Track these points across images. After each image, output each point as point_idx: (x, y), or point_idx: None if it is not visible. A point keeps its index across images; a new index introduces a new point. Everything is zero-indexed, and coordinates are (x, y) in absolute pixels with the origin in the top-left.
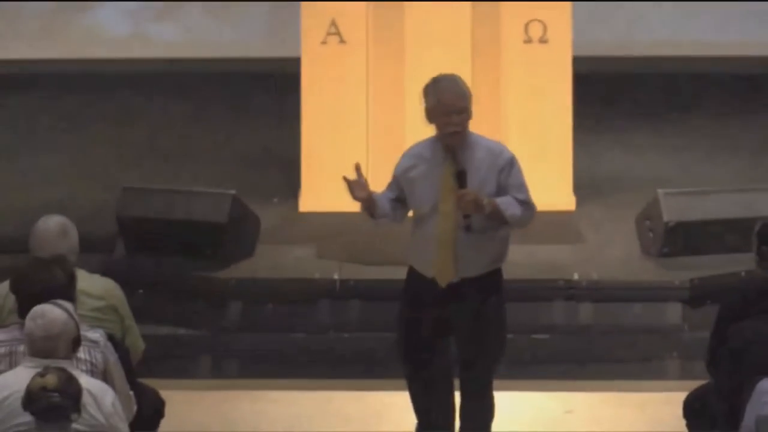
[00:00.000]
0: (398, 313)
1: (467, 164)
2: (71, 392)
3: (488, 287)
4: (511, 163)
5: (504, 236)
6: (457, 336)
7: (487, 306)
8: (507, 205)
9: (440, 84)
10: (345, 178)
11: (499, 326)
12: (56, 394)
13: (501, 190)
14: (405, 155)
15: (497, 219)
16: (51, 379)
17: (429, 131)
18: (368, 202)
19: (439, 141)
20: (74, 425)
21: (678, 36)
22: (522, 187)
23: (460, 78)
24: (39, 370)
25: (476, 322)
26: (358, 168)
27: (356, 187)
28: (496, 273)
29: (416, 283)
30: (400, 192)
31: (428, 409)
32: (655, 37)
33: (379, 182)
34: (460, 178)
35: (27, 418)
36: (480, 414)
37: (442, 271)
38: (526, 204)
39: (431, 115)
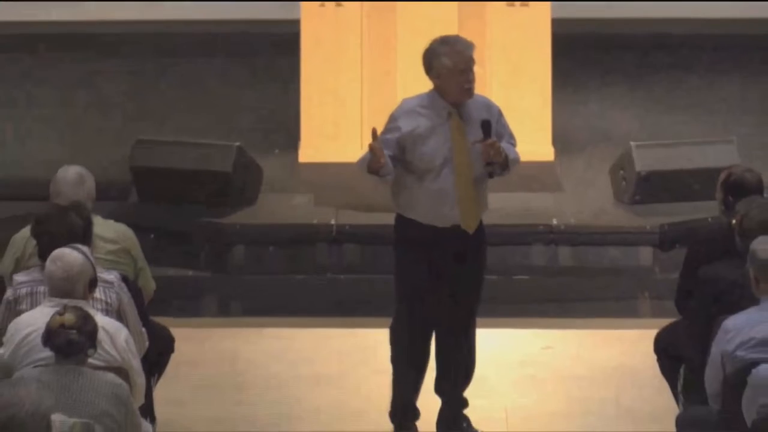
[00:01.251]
0: (396, 262)
1: (468, 117)
2: (88, 329)
3: (481, 233)
4: (501, 113)
5: (487, 184)
6: (454, 281)
7: (484, 248)
8: (509, 151)
9: (454, 46)
10: (371, 145)
11: (484, 270)
12: (74, 331)
13: (498, 138)
14: (403, 114)
15: (505, 166)
16: (69, 317)
17: (419, 86)
18: (384, 164)
19: (437, 97)
20: (90, 360)
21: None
22: (512, 134)
23: (466, 39)
24: (58, 309)
25: (473, 266)
26: (375, 132)
27: (380, 151)
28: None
29: (419, 235)
30: (398, 151)
31: (411, 349)
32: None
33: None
34: (485, 128)
35: (47, 353)
36: (468, 358)
37: (470, 217)
38: (516, 152)
39: (447, 75)
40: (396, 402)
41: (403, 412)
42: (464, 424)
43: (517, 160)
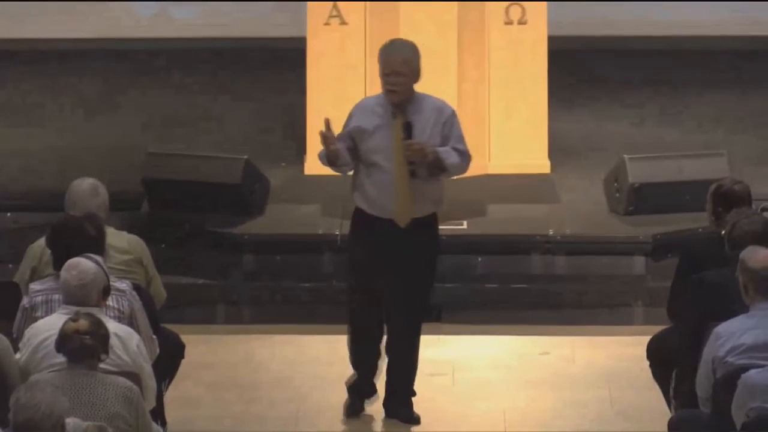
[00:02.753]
0: (348, 249)
1: (415, 119)
2: (100, 335)
3: (428, 228)
4: (453, 117)
5: (442, 183)
6: (398, 271)
7: (426, 245)
8: (447, 154)
9: (387, 48)
10: (321, 132)
11: (433, 266)
12: (87, 337)
13: (444, 142)
14: (357, 109)
15: (438, 167)
16: (82, 323)
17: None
18: (336, 152)
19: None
20: (103, 365)
21: (639, 17)
22: (461, 138)
23: (409, 45)
24: (71, 315)
25: (417, 258)
26: (328, 123)
27: (330, 139)
28: (434, 217)
29: (364, 224)
30: (352, 143)
31: (362, 329)
32: (619, 18)
33: None
34: (407, 129)
35: (62, 358)
36: (410, 351)
37: (401, 213)
38: (464, 154)
39: (379, 73)
40: (354, 379)
41: (359, 386)
42: (407, 410)
43: (456, 165)
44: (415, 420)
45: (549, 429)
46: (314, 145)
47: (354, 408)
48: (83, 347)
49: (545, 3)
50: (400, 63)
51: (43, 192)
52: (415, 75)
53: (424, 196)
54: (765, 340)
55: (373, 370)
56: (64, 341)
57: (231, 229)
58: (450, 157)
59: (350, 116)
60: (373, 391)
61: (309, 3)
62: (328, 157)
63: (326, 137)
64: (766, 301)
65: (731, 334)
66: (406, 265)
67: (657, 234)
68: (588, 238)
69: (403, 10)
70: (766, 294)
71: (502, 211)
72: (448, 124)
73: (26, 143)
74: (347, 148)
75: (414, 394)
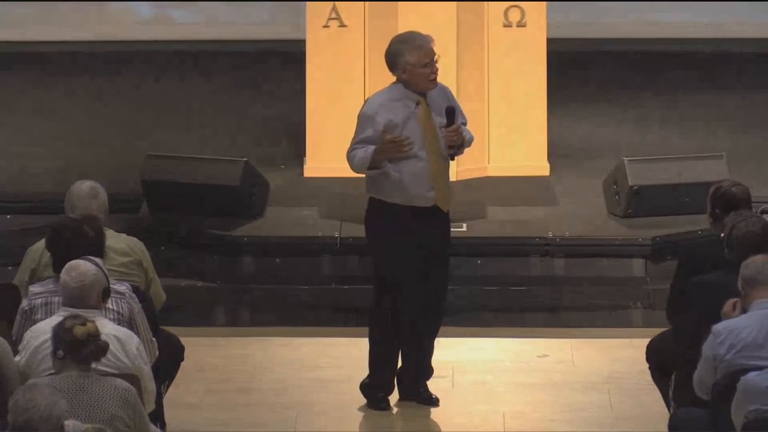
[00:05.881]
0: (376, 247)
1: (432, 103)
2: (96, 338)
3: (448, 213)
4: (451, 93)
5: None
6: (440, 254)
7: (449, 227)
8: (466, 133)
9: (413, 39)
10: (390, 139)
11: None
12: (83, 340)
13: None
14: (376, 110)
15: (463, 147)
16: (91, 326)
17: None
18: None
19: (403, 88)
20: (102, 367)
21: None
22: (462, 112)
23: (424, 34)
24: (66, 318)
25: (445, 243)
26: (385, 130)
27: (398, 141)
28: None
29: (400, 217)
30: (380, 142)
31: (389, 330)
32: (619, 21)
33: None
34: (449, 114)
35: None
36: (434, 333)
37: (444, 197)
38: (468, 129)
39: (414, 69)
40: (373, 379)
41: (379, 387)
42: (421, 389)
43: (471, 139)
44: (434, 401)
45: (548, 431)
46: (314, 147)
47: (380, 403)
48: (98, 349)
49: (544, 5)
50: (432, 50)
51: (43, 194)
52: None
53: (449, 177)
54: (762, 338)
55: (394, 370)
56: (75, 346)
57: (230, 231)
58: (467, 134)
59: (369, 118)
60: (391, 388)
61: (308, 5)
62: (374, 162)
63: (398, 144)
64: (762, 299)
65: (730, 332)
66: (445, 248)
67: (656, 236)
68: (587, 240)
69: (402, 11)
70: (761, 291)
71: (502, 213)
72: (452, 100)
73: (26, 145)
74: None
75: (432, 372)
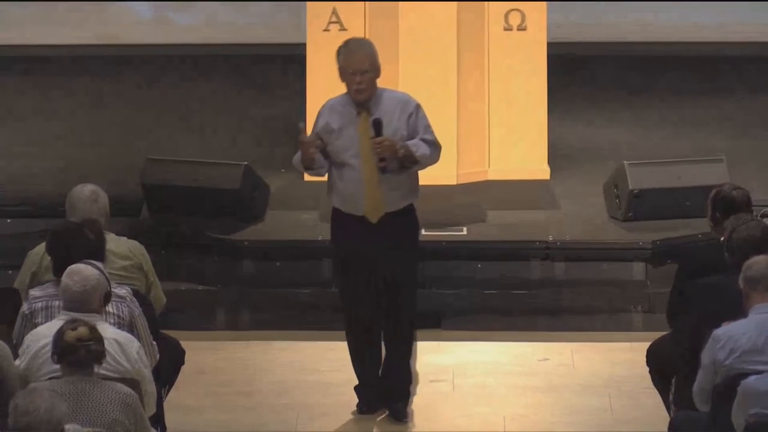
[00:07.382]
0: (333, 257)
1: (380, 115)
2: (99, 339)
3: (405, 219)
4: (417, 108)
5: (415, 174)
6: (381, 266)
7: (405, 236)
8: (417, 146)
9: (347, 47)
10: (300, 138)
11: (415, 256)
12: (90, 343)
13: (412, 134)
14: (322, 111)
15: (409, 160)
16: (83, 331)
17: (423, 105)
18: (312, 156)
19: (350, 96)
20: (103, 371)
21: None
22: (428, 128)
23: (368, 42)
24: (67, 322)
25: (397, 250)
26: (302, 129)
27: (309, 144)
28: (411, 207)
29: (343, 223)
30: (323, 144)
31: (357, 332)
32: (619, 23)
33: None
34: (376, 126)
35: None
36: (407, 342)
37: (372, 209)
38: (433, 144)
39: (341, 75)
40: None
41: (365, 390)
42: (399, 405)
43: (427, 156)
44: (402, 416)
45: None
46: None
47: (360, 407)
48: (89, 354)
49: (545, 9)
50: (362, 61)
51: (43, 197)
52: (377, 70)
53: (396, 189)
54: (762, 343)
55: (375, 377)
56: (67, 351)
57: (230, 235)
58: (420, 149)
59: (317, 118)
60: (372, 391)
61: (309, 9)
62: (305, 162)
63: (305, 143)
64: (761, 303)
65: (729, 338)
66: (387, 260)
67: (657, 240)
68: (588, 244)
69: (403, 11)
70: (761, 293)
71: (502, 217)
72: (413, 116)
73: (26, 146)
74: (320, 150)
75: (409, 395)
